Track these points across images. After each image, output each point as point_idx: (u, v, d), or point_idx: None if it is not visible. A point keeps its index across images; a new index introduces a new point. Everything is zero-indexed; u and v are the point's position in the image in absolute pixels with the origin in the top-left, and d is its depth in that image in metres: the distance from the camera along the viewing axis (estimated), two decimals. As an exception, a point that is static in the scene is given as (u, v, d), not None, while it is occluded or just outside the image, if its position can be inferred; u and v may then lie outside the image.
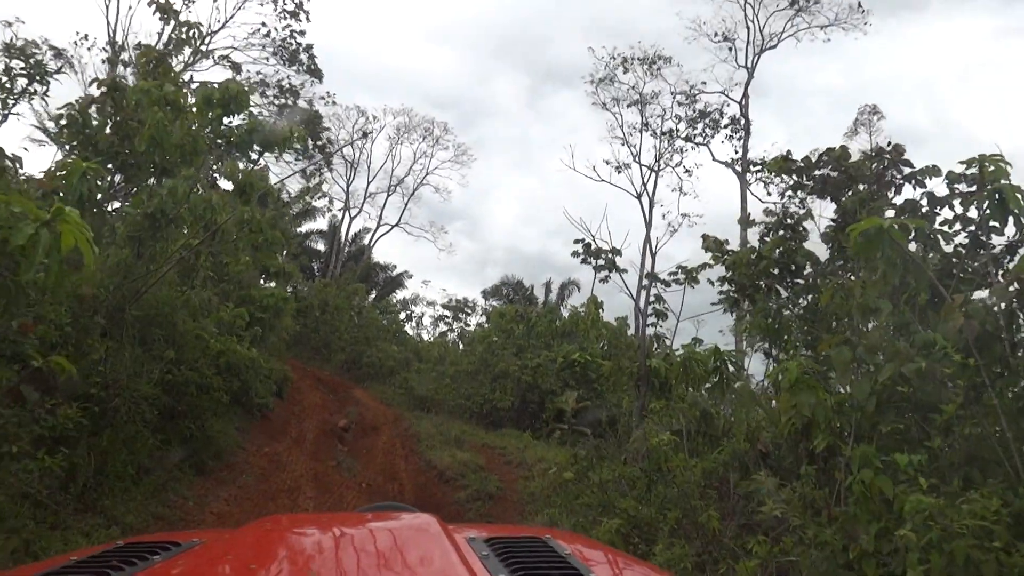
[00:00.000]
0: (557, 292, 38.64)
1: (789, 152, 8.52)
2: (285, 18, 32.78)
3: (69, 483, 6.10)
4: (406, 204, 44.80)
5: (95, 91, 9.68)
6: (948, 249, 6.22)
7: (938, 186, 7.86)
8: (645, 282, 21.91)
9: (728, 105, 30.32)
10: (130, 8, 29.88)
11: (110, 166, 9.18)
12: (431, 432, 16.20)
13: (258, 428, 14.40)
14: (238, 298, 14.63)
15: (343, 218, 43.86)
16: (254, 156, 8.94)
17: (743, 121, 29.89)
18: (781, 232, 8.73)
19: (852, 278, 8.27)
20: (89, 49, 28.32)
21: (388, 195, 44.70)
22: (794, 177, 8.38)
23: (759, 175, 30.10)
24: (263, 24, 32.74)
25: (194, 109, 8.24)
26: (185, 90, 8.53)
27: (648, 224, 26.59)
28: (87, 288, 7.04)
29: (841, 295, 5.75)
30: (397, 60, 60.93)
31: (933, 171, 7.75)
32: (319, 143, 35.75)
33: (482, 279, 68.96)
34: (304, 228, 43.29)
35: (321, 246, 45.13)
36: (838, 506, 5.25)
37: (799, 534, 4.82)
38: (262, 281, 9.42)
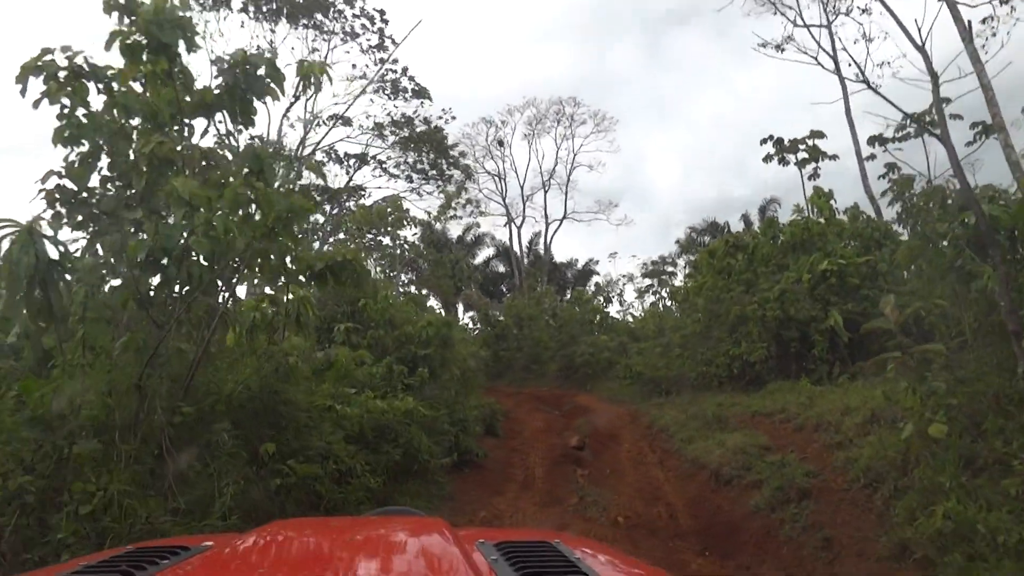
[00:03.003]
0: (758, 218, 33.47)
1: None
2: (373, 53, 31.21)
3: None
4: (566, 192, 42.21)
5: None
6: None
7: None
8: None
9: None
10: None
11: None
12: (680, 419, 12.53)
13: (471, 484, 11.52)
14: (394, 341, 11.97)
15: (510, 232, 41.91)
16: (250, 115, 5.88)
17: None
18: None
19: None
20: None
21: (546, 191, 42.50)
22: None
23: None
24: (353, 66, 31.35)
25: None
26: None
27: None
28: (59, 402, 4.26)
29: None
30: (510, 73, 59.80)
31: None
32: (451, 160, 33.58)
33: (669, 242, 64.35)
34: (480, 258, 42.35)
35: (502, 268, 43.84)
36: None
37: None
38: (310, 286, 6.27)
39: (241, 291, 6.99)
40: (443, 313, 31.73)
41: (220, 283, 5.76)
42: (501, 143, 42.78)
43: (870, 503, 6.56)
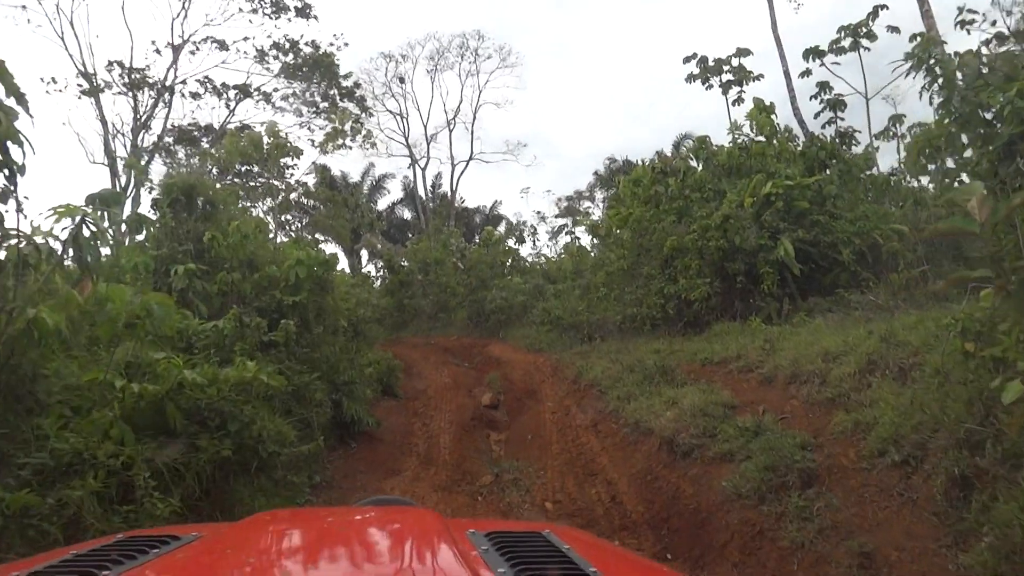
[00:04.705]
0: (672, 153, 31.84)
1: None
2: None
3: None
4: (472, 131, 39.59)
5: None
6: None
7: None
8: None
9: None
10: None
11: None
12: (613, 372, 10.43)
13: (358, 463, 9.14)
14: (254, 286, 9.33)
15: (414, 175, 39.06)
16: None
17: None
18: None
19: None
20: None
21: (451, 130, 39.48)
22: None
23: None
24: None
25: None
26: None
27: None
28: None
29: None
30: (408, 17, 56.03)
31: None
32: (344, 90, 30.17)
33: (582, 187, 63.10)
34: (383, 204, 39.56)
35: (408, 215, 41.15)
36: None
37: None
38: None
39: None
40: (343, 260, 28.88)
41: None
42: (402, 80, 39.43)
43: (910, 489, 4.57)
